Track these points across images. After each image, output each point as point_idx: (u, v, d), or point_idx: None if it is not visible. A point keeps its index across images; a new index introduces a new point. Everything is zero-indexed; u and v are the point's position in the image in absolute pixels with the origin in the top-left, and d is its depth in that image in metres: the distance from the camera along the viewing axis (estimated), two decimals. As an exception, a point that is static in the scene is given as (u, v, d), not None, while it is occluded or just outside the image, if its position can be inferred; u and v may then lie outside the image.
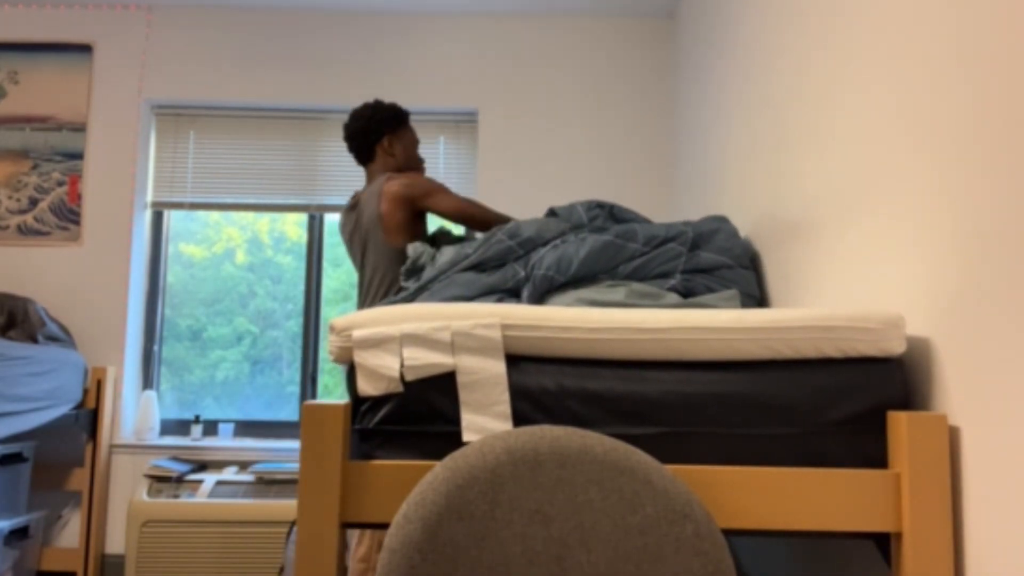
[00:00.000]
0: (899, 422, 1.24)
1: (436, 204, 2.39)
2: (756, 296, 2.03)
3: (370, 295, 2.43)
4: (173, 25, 3.72)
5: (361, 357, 1.28)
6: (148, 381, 3.68)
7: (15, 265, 3.55)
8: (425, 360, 1.28)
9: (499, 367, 1.28)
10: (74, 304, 3.54)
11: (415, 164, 2.62)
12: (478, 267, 1.90)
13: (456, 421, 1.28)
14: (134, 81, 3.68)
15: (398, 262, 2.40)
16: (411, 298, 1.93)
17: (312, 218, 3.80)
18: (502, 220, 2.40)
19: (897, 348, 1.30)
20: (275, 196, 3.71)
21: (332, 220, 3.82)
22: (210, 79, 3.70)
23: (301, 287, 3.77)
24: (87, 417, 3.35)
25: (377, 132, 2.58)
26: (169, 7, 3.71)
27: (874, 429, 1.28)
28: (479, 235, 2.44)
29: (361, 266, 2.50)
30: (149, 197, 3.72)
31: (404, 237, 2.41)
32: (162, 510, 3.14)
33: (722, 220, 2.09)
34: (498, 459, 1.14)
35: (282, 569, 2.61)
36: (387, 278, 2.42)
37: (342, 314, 2.09)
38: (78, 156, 3.62)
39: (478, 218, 2.38)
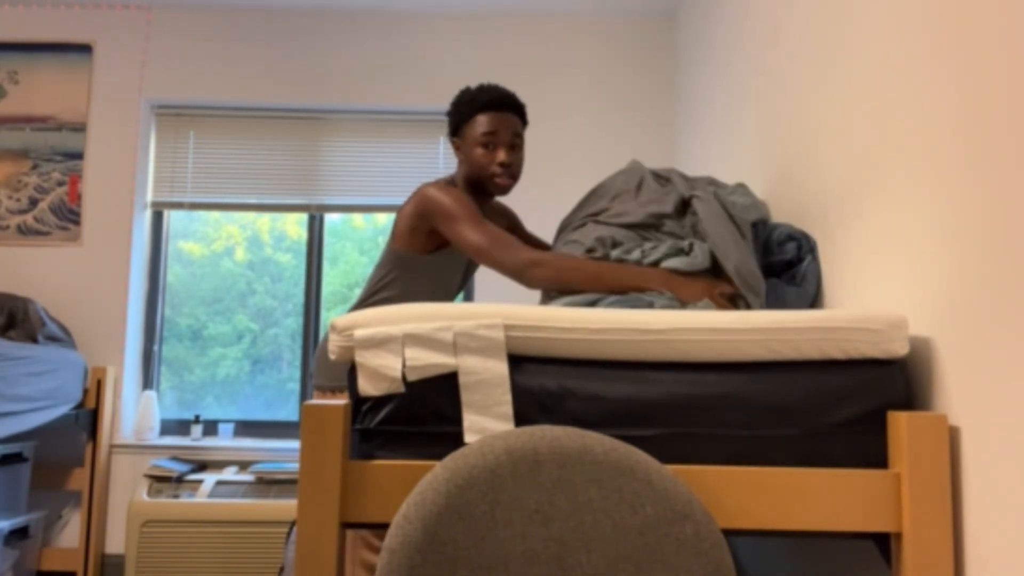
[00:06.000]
0: (899, 422, 1.24)
1: (451, 233, 1.94)
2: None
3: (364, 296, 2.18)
4: (173, 25, 3.72)
5: (362, 357, 1.28)
6: (148, 381, 3.68)
7: (15, 265, 3.55)
8: (427, 360, 1.27)
9: (501, 368, 1.28)
10: (74, 304, 3.54)
11: (479, 171, 2.05)
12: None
13: (457, 421, 1.28)
14: (134, 81, 3.68)
15: (393, 266, 2.11)
16: None
17: (312, 218, 3.80)
18: (524, 265, 1.79)
19: (900, 350, 1.30)
20: (275, 196, 3.71)
21: (332, 220, 3.82)
22: (210, 79, 3.69)
23: (301, 285, 3.77)
24: (87, 417, 3.35)
25: (451, 133, 2.15)
26: (169, 7, 3.71)
27: (876, 430, 1.28)
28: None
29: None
30: (149, 197, 3.72)
31: (409, 243, 2.06)
32: (162, 510, 3.14)
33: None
34: (498, 459, 1.14)
35: (282, 569, 2.61)
36: (379, 279, 2.13)
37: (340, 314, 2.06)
38: (78, 156, 3.62)
39: (495, 260, 1.86)
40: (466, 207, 1.94)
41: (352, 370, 1.32)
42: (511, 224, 2.32)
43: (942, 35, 1.34)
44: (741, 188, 1.87)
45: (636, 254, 1.70)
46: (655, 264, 1.65)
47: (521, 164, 2.08)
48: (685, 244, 1.66)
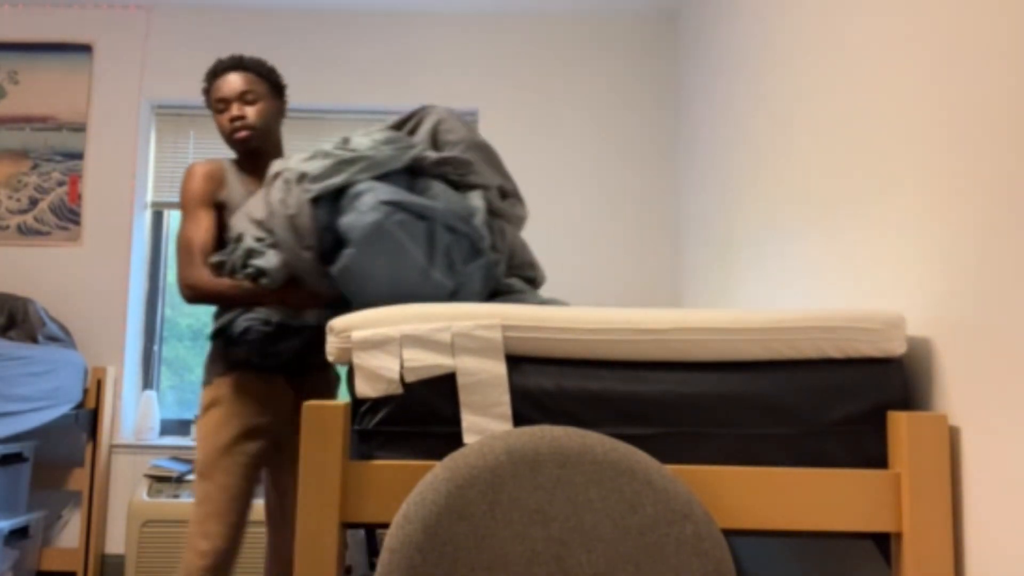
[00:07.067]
0: (899, 422, 1.24)
1: (180, 222, 2.07)
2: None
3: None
4: (173, 25, 3.71)
5: (360, 359, 1.28)
6: (148, 381, 3.68)
7: (15, 265, 3.55)
8: (425, 361, 1.27)
9: (499, 368, 1.28)
10: (74, 304, 3.53)
11: (224, 136, 2.12)
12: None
13: (456, 422, 1.28)
14: (134, 81, 3.67)
15: None
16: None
17: (312, 218, 3.79)
18: (186, 286, 1.96)
19: (898, 349, 1.30)
20: (275, 196, 3.71)
21: (332, 220, 3.81)
22: (210, 79, 3.69)
23: (301, 287, 3.77)
24: (87, 417, 3.35)
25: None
26: (169, 7, 3.71)
27: (874, 429, 1.28)
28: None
29: None
30: (149, 197, 3.72)
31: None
32: (162, 510, 3.14)
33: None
34: (498, 459, 1.14)
35: (282, 569, 2.60)
36: None
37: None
38: (78, 156, 3.62)
39: (177, 262, 2.02)
40: (192, 195, 2.06)
41: (350, 372, 1.32)
42: None
43: (943, 37, 1.34)
44: (382, 135, 1.78)
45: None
46: (232, 275, 1.87)
47: (259, 114, 2.09)
48: (261, 262, 1.78)
